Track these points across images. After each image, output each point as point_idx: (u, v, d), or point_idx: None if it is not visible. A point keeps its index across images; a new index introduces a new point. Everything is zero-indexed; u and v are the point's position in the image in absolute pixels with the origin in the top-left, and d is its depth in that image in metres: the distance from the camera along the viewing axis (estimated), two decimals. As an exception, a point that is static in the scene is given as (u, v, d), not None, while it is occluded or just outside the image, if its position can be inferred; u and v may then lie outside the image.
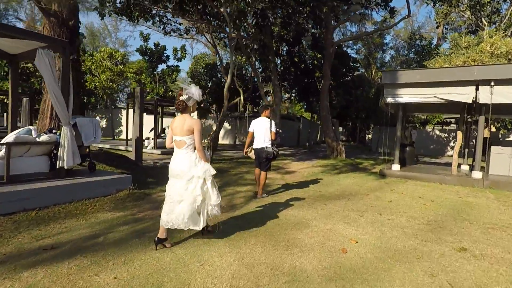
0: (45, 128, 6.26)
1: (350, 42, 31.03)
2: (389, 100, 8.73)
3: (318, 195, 5.96)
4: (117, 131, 24.92)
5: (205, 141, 6.56)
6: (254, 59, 14.44)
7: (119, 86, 25.27)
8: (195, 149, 3.11)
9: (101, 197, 4.91)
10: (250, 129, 5.60)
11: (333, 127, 16.08)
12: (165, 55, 23.87)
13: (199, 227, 3.07)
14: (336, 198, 5.77)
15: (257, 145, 5.45)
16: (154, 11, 14.24)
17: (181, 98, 3.05)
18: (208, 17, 12.95)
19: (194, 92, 3.05)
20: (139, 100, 8.35)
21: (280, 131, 6.38)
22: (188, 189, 3.03)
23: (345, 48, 23.52)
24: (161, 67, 24.72)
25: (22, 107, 10.19)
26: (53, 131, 5.12)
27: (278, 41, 17.57)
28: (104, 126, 25.27)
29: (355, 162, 12.61)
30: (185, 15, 12.96)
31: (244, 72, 23.26)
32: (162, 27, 19.96)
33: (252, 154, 5.58)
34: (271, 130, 5.37)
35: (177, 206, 3.02)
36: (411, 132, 11.21)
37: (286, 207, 4.94)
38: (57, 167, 4.80)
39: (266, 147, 5.31)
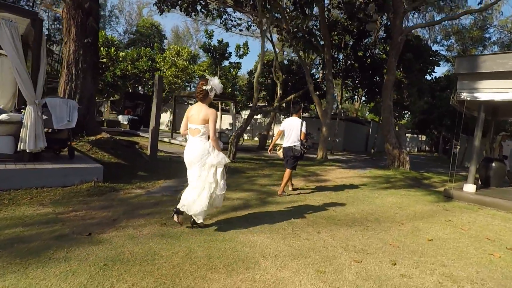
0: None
1: (439, 37, 26.43)
2: (464, 96, 6.37)
3: (326, 216, 4.36)
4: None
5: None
6: (300, 49, 12.66)
7: (185, 82, 26.35)
8: (209, 138, 3.18)
9: (57, 187, 4.33)
10: (281, 128, 5.70)
11: (399, 132, 13.38)
12: (228, 52, 23.90)
13: (200, 216, 3.15)
14: (348, 223, 4.10)
15: (285, 143, 5.51)
16: (207, 3, 13.99)
17: (203, 87, 3.16)
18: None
19: (217, 85, 3.17)
20: (157, 88, 7.84)
21: (311, 133, 7.13)
22: (201, 176, 3.13)
23: (432, 44, 19.87)
24: (226, 64, 24.93)
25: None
26: (22, 110, 4.76)
27: (341, 33, 15.59)
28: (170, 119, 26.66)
29: (420, 176, 10.04)
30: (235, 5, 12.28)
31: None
32: (223, 23, 19.94)
33: (280, 153, 5.66)
34: (301, 131, 5.39)
35: (191, 192, 3.18)
36: (502, 142, 8.24)
37: (257, 226, 3.56)
38: (18, 149, 4.39)
39: (295, 145, 5.35)
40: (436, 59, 14.39)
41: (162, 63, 24.89)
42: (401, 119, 22.97)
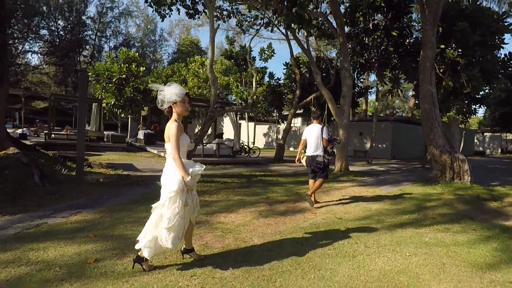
0: None
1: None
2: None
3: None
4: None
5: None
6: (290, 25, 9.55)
7: (209, 92, 25.12)
8: None
9: None
10: (303, 137, 5.38)
11: (453, 129, 9.61)
12: (251, 56, 22.00)
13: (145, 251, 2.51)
14: None
15: (308, 152, 5.25)
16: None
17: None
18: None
19: (166, 92, 2.57)
20: (80, 87, 6.10)
21: (337, 138, 6.02)
22: (159, 202, 2.57)
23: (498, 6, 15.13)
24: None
25: None
26: None
27: (366, 12, 12.39)
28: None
29: (486, 194, 6.47)
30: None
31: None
32: (239, 24, 18.27)
33: (304, 161, 5.38)
34: (322, 137, 5.07)
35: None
36: None
37: None
38: None
39: (317, 155, 5.10)
40: (506, 24, 10.11)
41: (187, 75, 24.15)
42: (470, 115, 17.95)
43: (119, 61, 20.26)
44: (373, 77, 16.39)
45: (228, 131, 26.19)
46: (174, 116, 2.64)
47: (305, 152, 5.39)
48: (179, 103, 2.60)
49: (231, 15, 15.29)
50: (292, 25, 9.15)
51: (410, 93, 25.81)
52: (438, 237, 3.74)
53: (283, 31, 14.91)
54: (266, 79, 20.80)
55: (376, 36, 13.00)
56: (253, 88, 10.72)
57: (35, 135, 16.38)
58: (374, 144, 19.46)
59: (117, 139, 14.68)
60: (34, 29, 37.26)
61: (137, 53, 21.56)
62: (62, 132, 14.18)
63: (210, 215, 4.35)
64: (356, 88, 16.68)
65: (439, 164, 8.18)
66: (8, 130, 16.48)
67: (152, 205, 2.60)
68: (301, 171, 10.14)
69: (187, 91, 2.68)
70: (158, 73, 27.87)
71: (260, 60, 21.73)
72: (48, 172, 5.90)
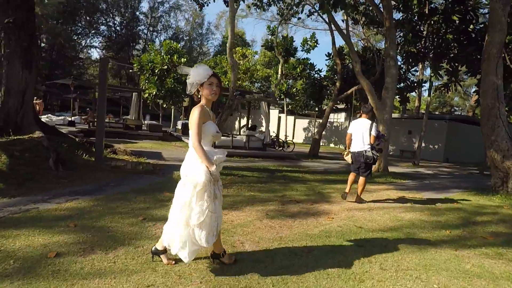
0: None
1: None
2: None
3: None
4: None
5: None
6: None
7: (249, 84, 24.88)
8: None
9: None
10: (349, 131, 5.14)
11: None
12: (293, 47, 21.16)
13: (184, 255, 2.20)
14: None
15: (354, 148, 5.01)
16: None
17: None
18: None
19: (192, 73, 2.30)
20: (100, 74, 6.09)
21: (384, 134, 5.79)
22: (178, 194, 2.28)
23: None
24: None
25: None
26: None
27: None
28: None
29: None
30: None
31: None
32: (280, 13, 17.76)
33: (348, 158, 5.17)
34: (370, 134, 4.85)
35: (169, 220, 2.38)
36: None
37: None
38: None
39: (366, 151, 4.85)
40: None
41: (227, 66, 24.12)
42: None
43: (162, 52, 20.87)
44: (428, 71, 14.52)
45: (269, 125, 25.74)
46: (202, 101, 2.35)
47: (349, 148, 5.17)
48: (206, 85, 2.30)
49: (271, 2, 14.71)
50: (326, 4, 8.27)
51: (473, 90, 22.91)
52: (484, 264, 2.88)
53: (326, 19, 13.94)
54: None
55: (432, 22, 11.45)
56: (278, 75, 10.02)
57: (85, 123, 17.57)
58: (424, 145, 17.60)
59: (155, 128, 15.09)
60: (94, 25, 40.39)
61: (179, 45, 21.99)
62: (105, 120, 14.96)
63: (210, 212, 3.94)
64: (407, 81, 15.05)
65: (500, 171, 6.84)
66: (59, 118, 17.84)
67: (174, 202, 2.31)
68: (333, 168, 9.32)
69: (213, 72, 2.33)
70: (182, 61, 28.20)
71: (302, 51, 20.87)
72: (68, 157, 6.00)
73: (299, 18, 14.35)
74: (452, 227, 4.07)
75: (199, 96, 2.37)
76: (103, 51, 44.09)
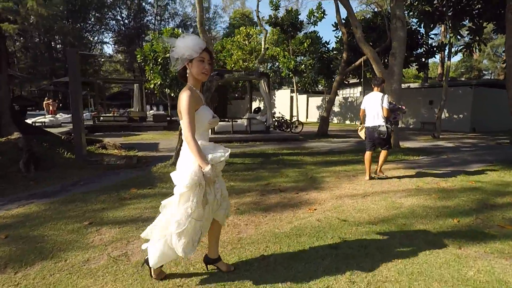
0: None
1: None
2: None
3: None
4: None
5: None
6: None
7: (255, 65, 23.95)
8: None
9: None
10: (362, 106, 4.95)
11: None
12: (299, 21, 19.90)
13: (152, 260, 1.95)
14: None
15: (368, 123, 4.83)
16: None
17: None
18: None
19: (179, 45, 1.80)
20: (71, 66, 5.69)
21: (402, 107, 5.26)
22: (170, 197, 1.98)
23: None
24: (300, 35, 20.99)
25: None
26: None
27: None
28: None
29: None
30: None
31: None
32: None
33: (362, 133, 5.03)
34: (383, 107, 4.63)
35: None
36: None
37: None
38: None
39: (379, 125, 4.67)
40: None
41: (232, 48, 23.27)
42: None
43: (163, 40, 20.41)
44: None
45: (281, 106, 24.85)
46: (190, 81, 1.90)
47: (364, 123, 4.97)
48: (195, 61, 1.84)
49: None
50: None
51: (503, 49, 20.69)
52: (495, 269, 2.21)
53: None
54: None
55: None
56: (262, 49, 9.20)
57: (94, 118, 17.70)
58: (447, 115, 16.17)
59: (159, 118, 14.86)
60: (103, 21, 40.50)
61: (180, 30, 21.40)
62: (109, 115, 14.89)
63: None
64: (424, 46, 13.63)
65: (530, 138, 5.84)
66: (68, 116, 17.95)
67: (162, 202, 2.00)
68: (339, 148, 8.59)
69: (205, 45, 1.85)
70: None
71: (308, 23, 19.61)
72: (50, 156, 5.76)
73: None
74: (463, 213, 3.36)
75: (186, 75, 1.90)
76: (115, 46, 44.41)
